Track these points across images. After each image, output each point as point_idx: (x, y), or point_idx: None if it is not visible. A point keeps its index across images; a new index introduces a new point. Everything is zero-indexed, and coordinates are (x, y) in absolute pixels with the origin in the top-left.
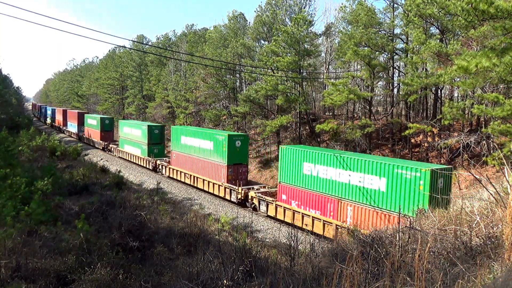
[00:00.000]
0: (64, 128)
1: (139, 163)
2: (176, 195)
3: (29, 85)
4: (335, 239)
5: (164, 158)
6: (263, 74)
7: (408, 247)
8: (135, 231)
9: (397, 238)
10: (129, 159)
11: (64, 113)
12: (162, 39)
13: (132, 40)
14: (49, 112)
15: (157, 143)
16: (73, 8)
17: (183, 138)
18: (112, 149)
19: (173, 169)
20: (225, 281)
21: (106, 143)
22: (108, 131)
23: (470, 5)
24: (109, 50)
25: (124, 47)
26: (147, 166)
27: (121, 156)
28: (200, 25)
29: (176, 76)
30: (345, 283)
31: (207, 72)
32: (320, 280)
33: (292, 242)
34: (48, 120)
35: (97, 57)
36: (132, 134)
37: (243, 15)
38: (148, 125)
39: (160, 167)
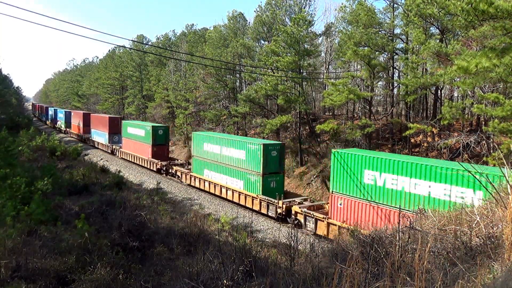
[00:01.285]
0: (86, 136)
1: (245, 204)
2: (176, 195)
3: (29, 85)
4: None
5: (294, 200)
6: (263, 74)
7: (408, 247)
8: (135, 231)
9: (397, 238)
10: (218, 194)
11: (86, 118)
12: (162, 39)
13: (132, 40)
14: (60, 115)
15: (275, 172)
16: (75, 9)
17: (368, 173)
18: (181, 175)
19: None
20: (225, 281)
21: (163, 163)
22: (162, 145)
23: (470, 5)
24: (109, 50)
25: (124, 47)
26: (265, 212)
27: (198, 186)
28: (200, 25)
29: (176, 76)
30: (345, 283)
31: (207, 72)
32: (320, 280)
33: (292, 242)
34: (60, 125)
35: (97, 57)
36: (224, 156)
37: (242, 15)
38: (264, 144)
39: (302, 218)
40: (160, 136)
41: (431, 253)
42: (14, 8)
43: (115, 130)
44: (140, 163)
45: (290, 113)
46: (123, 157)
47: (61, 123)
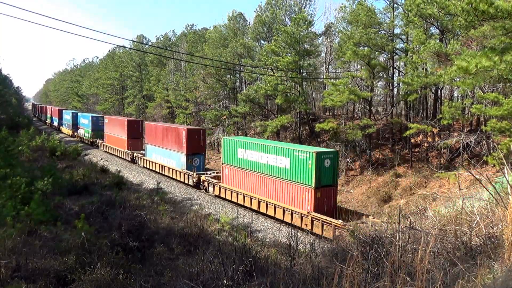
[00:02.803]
0: (138, 154)
1: None
2: (176, 195)
3: (29, 85)
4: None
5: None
6: (263, 74)
7: (408, 247)
8: (135, 231)
9: (397, 238)
10: None
11: (135, 127)
12: (162, 39)
13: (132, 40)
14: (83, 121)
15: None
16: (74, 7)
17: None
18: None
19: None
20: (225, 281)
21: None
22: (328, 186)
23: (470, 6)
24: (109, 50)
25: (124, 47)
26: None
27: None
28: (200, 25)
29: (176, 76)
30: (345, 283)
31: (207, 72)
32: (320, 280)
33: (292, 242)
34: (83, 134)
35: (97, 57)
36: None
37: (242, 15)
38: None
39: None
40: (327, 171)
41: (431, 253)
42: (15, 8)
43: (196, 148)
44: (285, 219)
45: (290, 113)
46: (231, 198)
47: (85, 132)
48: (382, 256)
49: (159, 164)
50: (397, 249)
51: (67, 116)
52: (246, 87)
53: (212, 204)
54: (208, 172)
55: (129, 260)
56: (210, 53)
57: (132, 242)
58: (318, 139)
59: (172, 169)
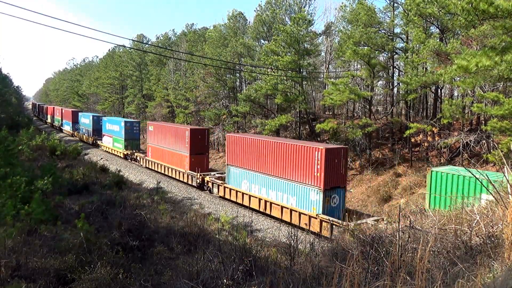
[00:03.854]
0: (217, 182)
1: None
2: (176, 195)
3: (29, 84)
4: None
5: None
6: (262, 74)
7: (408, 247)
8: (135, 230)
9: (397, 238)
10: None
11: (204, 139)
12: (162, 38)
13: (132, 40)
14: (111, 126)
15: None
16: (75, 8)
17: None
18: None
19: None
20: (225, 280)
21: None
22: None
23: (470, 5)
24: (109, 50)
25: (124, 46)
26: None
27: None
28: (200, 24)
29: (176, 75)
30: (345, 283)
31: (207, 72)
32: (320, 280)
33: (292, 241)
34: (111, 143)
35: (97, 57)
36: None
37: (242, 14)
38: None
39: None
40: None
41: (431, 252)
42: (14, 7)
43: (336, 179)
44: None
45: (290, 112)
46: None
47: (114, 141)
48: (382, 255)
49: (262, 200)
50: (397, 249)
51: (86, 120)
52: (246, 86)
53: (212, 204)
54: (368, 221)
55: (129, 260)
56: (210, 53)
57: (132, 241)
58: (318, 139)
59: (291, 210)
